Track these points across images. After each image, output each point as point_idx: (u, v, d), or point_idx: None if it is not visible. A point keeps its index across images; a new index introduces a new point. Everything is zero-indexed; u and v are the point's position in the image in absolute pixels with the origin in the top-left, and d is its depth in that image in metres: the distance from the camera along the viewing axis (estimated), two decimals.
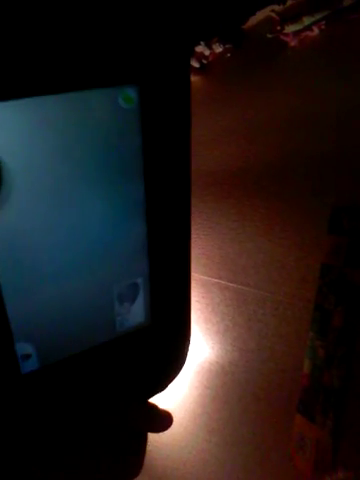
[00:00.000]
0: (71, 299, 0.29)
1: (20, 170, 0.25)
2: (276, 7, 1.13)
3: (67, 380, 0.31)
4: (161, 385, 0.35)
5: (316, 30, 1.06)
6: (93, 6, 0.24)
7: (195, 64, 1.35)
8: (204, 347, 1.30)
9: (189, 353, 0.37)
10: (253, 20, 1.21)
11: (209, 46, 1.30)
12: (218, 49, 1.30)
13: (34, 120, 0.24)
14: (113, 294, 0.30)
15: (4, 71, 0.23)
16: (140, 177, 0.29)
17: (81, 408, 0.31)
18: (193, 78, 1.39)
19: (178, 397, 1.35)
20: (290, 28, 1.09)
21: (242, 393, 1.20)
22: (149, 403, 0.34)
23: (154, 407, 0.34)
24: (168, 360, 0.35)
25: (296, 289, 1.04)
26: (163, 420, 0.34)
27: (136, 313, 0.32)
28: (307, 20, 1.06)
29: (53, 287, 0.28)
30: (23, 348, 0.28)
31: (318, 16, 1.04)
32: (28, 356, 0.28)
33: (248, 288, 1.17)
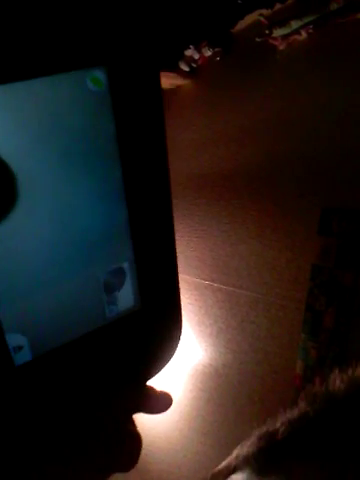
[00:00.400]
0: (59, 287, 0.29)
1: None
2: (264, 11, 1.13)
3: (61, 369, 0.31)
4: (156, 367, 0.36)
5: (304, 34, 1.07)
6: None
7: (185, 68, 1.35)
8: (197, 350, 1.30)
9: (182, 351, 0.37)
10: (242, 24, 1.22)
11: (198, 50, 1.31)
12: (207, 53, 1.30)
13: (4, 109, 0.24)
14: (100, 280, 0.30)
15: None
16: (116, 161, 0.29)
17: (76, 397, 0.31)
18: (183, 82, 1.39)
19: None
20: (278, 32, 1.10)
21: (236, 395, 1.21)
22: (146, 385, 0.34)
23: (151, 388, 0.34)
24: (161, 342, 0.35)
25: (287, 290, 1.05)
26: (162, 399, 0.34)
27: (125, 298, 0.32)
28: (295, 24, 1.06)
29: (40, 276, 0.28)
30: (14, 339, 0.28)
31: (306, 20, 1.05)
32: (20, 348, 0.28)
33: (240, 290, 1.18)
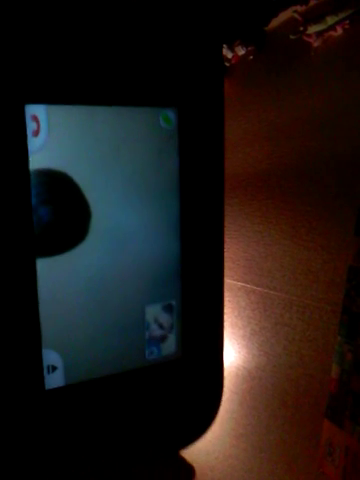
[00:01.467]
0: (101, 315, 0.29)
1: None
2: (298, 8, 1.12)
3: (91, 407, 0.30)
4: (189, 435, 0.33)
5: (340, 30, 1.05)
6: (144, 40, 0.29)
7: None
8: (230, 352, 1.29)
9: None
10: (275, 21, 1.20)
11: (232, 49, 1.30)
12: (241, 52, 1.29)
13: (89, 128, 0.27)
14: (144, 316, 0.30)
15: (76, 80, 0.27)
16: (176, 197, 0.29)
17: (101, 441, 0.29)
18: None
19: None
20: (313, 28, 1.08)
21: (269, 398, 1.19)
22: (178, 456, 0.32)
23: (181, 461, 0.32)
24: (199, 401, 0.33)
25: (323, 292, 1.02)
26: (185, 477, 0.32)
27: (167, 341, 0.31)
28: (330, 20, 1.04)
29: (85, 301, 0.28)
30: (50, 357, 0.28)
31: (342, 15, 1.02)
32: (54, 368, 0.28)
33: (274, 292, 1.16)
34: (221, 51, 0.31)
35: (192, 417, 0.33)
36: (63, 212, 0.28)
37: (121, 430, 0.31)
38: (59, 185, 0.28)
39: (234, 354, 1.28)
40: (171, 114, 0.30)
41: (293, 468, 1.11)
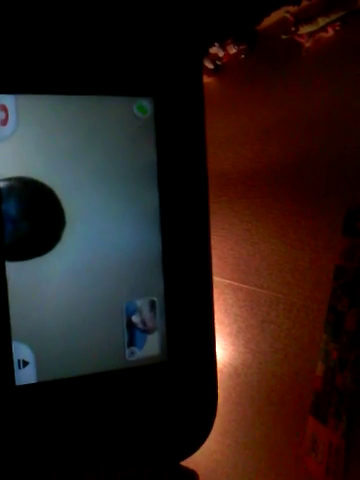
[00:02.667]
0: (79, 312, 0.28)
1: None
2: (290, 8, 1.12)
3: (65, 407, 0.28)
4: (181, 446, 0.31)
5: (331, 31, 1.06)
6: (118, 31, 0.28)
7: (209, 65, 1.35)
8: (217, 349, 1.30)
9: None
10: (267, 21, 1.21)
11: (223, 47, 1.30)
12: (232, 50, 1.29)
13: (60, 118, 0.26)
14: (123, 315, 0.28)
15: (45, 70, 0.26)
16: (154, 187, 0.29)
17: (76, 444, 0.27)
18: (207, 79, 1.39)
19: None
20: (305, 29, 1.08)
21: (255, 395, 1.20)
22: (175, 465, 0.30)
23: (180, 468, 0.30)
24: (191, 411, 0.31)
25: (310, 291, 1.03)
26: None
27: (149, 342, 0.29)
28: (322, 21, 1.05)
29: (62, 295, 0.27)
30: (21, 350, 0.27)
31: (333, 17, 1.03)
32: (25, 363, 0.27)
33: (261, 290, 1.17)
34: (200, 41, 0.30)
35: (184, 426, 0.32)
36: (35, 211, 0.27)
37: (98, 434, 0.29)
38: (29, 185, 0.27)
39: (220, 351, 1.29)
40: (146, 103, 0.29)
41: (277, 464, 1.12)
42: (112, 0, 0.27)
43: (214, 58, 1.34)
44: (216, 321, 1.14)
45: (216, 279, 1.29)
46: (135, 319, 0.30)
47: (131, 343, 0.30)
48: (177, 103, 0.29)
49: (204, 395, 0.32)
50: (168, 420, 0.31)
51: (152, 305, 0.31)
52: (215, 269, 1.13)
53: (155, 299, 0.31)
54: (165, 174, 0.29)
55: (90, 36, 0.27)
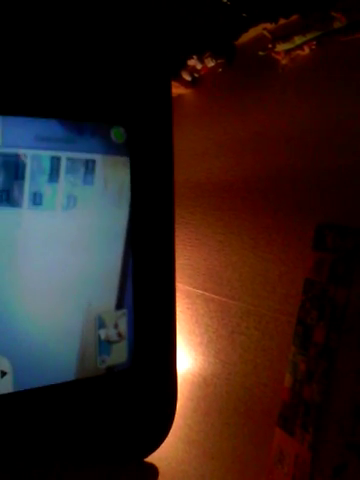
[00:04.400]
0: (53, 323, 0.29)
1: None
2: (268, 25, 1.14)
3: (41, 414, 0.29)
4: (142, 447, 0.33)
5: (307, 49, 1.08)
6: (94, 65, 0.31)
7: (187, 77, 1.36)
8: (187, 358, 1.30)
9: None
10: (245, 37, 1.23)
11: (201, 60, 1.32)
12: (210, 63, 1.31)
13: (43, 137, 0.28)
14: (95, 326, 0.30)
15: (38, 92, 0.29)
16: (126, 205, 0.30)
17: (51, 449, 0.29)
18: (184, 91, 1.40)
19: None
20: (281, 46, 1.11)
21: (223, 405, 1.21)
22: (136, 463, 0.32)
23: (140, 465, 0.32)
24: (152, 414, 0.33)
25: (279, 303, 1.05)
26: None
27: (118, 351, 0.31)
28: (298, 40, 1.08)
29: (34, 306, 0.28)
30: (0, 362, 0.28)
31: (309, 36, 1.06)
32: (4, 373, 0.28)
33: (232, 301, 1.18)
34: (170, 76, 0.33)
35: (145, 429, 0.34)
36: None
37: (72, 439, 0.30)
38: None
39: (190, 361, 1.29)
40: (122, 130, 0.32)
41: (244, 475, 1.12)
42: (86, 46, 0.30)
43: (192, 70, 1.36)
44: (187, 331, 1.15)
45: (188, 289, 1.30)
46: (106, 330, 0.32)
47: (102, 352, 0.32)
48: (148, 130, 0.32)
49: (165, 397, 0.34)
50: (133, 420, 0.33)
51: (122, 317, 0.32)
52: (187, 279, 1.14)
53: (125, 311, 0.32)
54: (137, 193, 0.32)
55: (66, 69, 0.30)
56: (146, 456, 0.34)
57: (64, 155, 0.30)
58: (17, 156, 0.29)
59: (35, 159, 0.29)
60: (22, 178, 0.28)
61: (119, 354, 0.32)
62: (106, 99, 0.31)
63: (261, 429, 1.07)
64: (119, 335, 0.32)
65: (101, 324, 0.31)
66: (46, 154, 0.29)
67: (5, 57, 0.27)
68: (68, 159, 0.30)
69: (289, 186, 1.07)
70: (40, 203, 0.29)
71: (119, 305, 0.31)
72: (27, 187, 0.29)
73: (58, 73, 0.29)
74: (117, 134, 0.30)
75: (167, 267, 0.33)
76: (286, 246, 1.04)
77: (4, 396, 0.29)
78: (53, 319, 0.30)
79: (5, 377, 0.29)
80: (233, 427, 1.17)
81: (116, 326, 0.32)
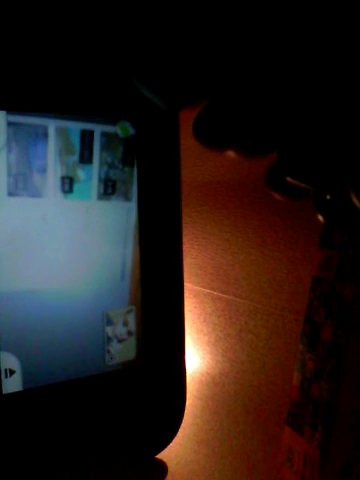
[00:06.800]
0: (61, 321, 0.29)
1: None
2: None
3: (50, 413, 0.30)
4: (152, 445, 0.33)
5: None
6: (107, 64, 0.31)
7: None
8: (195, 358, 1.30)
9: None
10: None
11: None
12: None
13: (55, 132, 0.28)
14: (104, 323, 0.30)
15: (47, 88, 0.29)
16: (134, 201, 0.30)
17: (61, 448, 0.29)
18: None
19: None
20: None
21: (232, 404, 1.20)
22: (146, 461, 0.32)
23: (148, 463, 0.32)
24: (161, 412, 0.33)
25: (287, 301, 1.05)
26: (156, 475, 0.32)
27: (126, 347, 0.31)
28: None
29: (44, 305, 0.28)
30: (7, 360, 0.28)
31: None
32: (12, 372, 0.28)
33: (240, 299, 1.18)
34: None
35: (155, 426, 0.34)
36: None
37: (80, 437, 0.31)
38: None
39: (198, 360, 1.29)
40: (128, 124, 0.32)
41: (253, 474, 1.12)
42: (98, 34, 0.30)
43: None
44: (195, 330, 1.15)
45: (195, 288, 1.30)
46: (114, 327, 0.32)
47: (110, 349, 0.32)
48: (155, 125, 0.32)
49: (174, 394, 0.34)
50: (143, 417, 0.33)
51: (130, 313, 0.32)
52: (195, 278, 1.14)
53: (133, 308, 0.32)
54: (144, 189, 0.32)
55: (75, 65, 0.30)
56: (156, 454, 0.34)
57: (98, 128, 0.30)
58: (36, 128, 0.28)
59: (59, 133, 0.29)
60: (44, 158, 0.28)
61: (128, 351, 0.32)
62: (113, 93, 0.31)
63: (270, 427, 1.07)
64: (128, 333, 0.32)
65: (109, 321, 0.31)
66: (75, 126, 0.30)
67: (11, 50, 0.27)
68: (103, 134, 0.30)
69: None
70: (70, 191, 0.29)
71: (127, 302, 0.31)
72: (51, 170, 0.29)
73: (64, 67, 0.29)
74: (123, 128, 0.30)
75: (174, 261, 0.33)
76: (293, 244, 1.04)
77: (13, 394, 0.29)
78: (61, 316, 0.30)
79: (13, 375, 0.29)
80: (242, 426, 1.17)
81: (126, 323, 0.32)
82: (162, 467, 0.32)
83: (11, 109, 0.27)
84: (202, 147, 0.25)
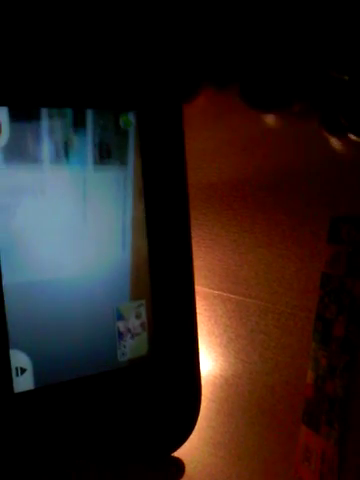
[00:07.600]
0: (72, 317, 0.29)
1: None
2: None
3: (63, 411, 0.30)
4: (167, 443, 0.33)
5: None
6: (108, 53, 0.31)
7: None
8: (207, 360, 1.30)
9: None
10: None
11: None
12: None
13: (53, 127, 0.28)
14: (114, 319, 0.30)
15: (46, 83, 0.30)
16: (140, 194, 0.30)
17: (73, 446, 0.29)
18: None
19: None
20: None
21: (247, 405, 1.20)
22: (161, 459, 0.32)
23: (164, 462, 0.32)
24: (176, 409, 0.33)
25: (297, 299, 1.04)
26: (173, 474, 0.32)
27: (138, 343, 0.31)
28: None
29: (55, 301, 0.29)
30: (18, 358, 0.28)
31: None
32: (23, 370, 0.28)
33: (250, 299, 1.18)
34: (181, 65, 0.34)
35: (172, 419, 0.34)
36: None
37: (93, 435, 0.31)
38: None
39: (211, 362, 1.29)
40: (131, 116, 0.32)
41: (271, 474, 1.12)
42: (101, 26, 0.30)
43: None
44: (206, 332, 1.15)
45: (205, 290, 1.29)
46: (125, 322, 0.32)
47: (122, 345, 0.32)
48: (158, 117, 0.32)
49: (189, 390, 0.34)
50: (157, 414, 0.33)
51: (141, 308, 0.32)
52: (204, 280, 1.14)
53: (143, 302, 0.32)
54: (150, 183, 0.32)
55: (79, 56, 0.30)
56: (172, 452, 0.34)
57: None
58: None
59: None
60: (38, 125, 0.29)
61: (140, 346, 0.32)
62: (116, 87, 0.31)
63: (286, 427, 1.07)
64: (142, 326, 0.32)
65: (119, 316, 0.31)
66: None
67: (14, 45, 0.27)
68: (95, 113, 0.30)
69: (300, 181, 1.06)
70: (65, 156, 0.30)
71: (137, 296, 0.31)
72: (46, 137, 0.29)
73: (67, 60, 0.29)
74: (125, 120, 0.30)
75: (184, 258, 0.33)
76: (301, 241, 1.04)
77: (25, 393, 0.29)
78: (71, 311, 0.30)
79: (25, 374, 0.29)
80: (258, 426, 1.16)
81: (139, 316, 0.32)
82: (179, 465, 0.32)
83: (12, 105, 0.27)
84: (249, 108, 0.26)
